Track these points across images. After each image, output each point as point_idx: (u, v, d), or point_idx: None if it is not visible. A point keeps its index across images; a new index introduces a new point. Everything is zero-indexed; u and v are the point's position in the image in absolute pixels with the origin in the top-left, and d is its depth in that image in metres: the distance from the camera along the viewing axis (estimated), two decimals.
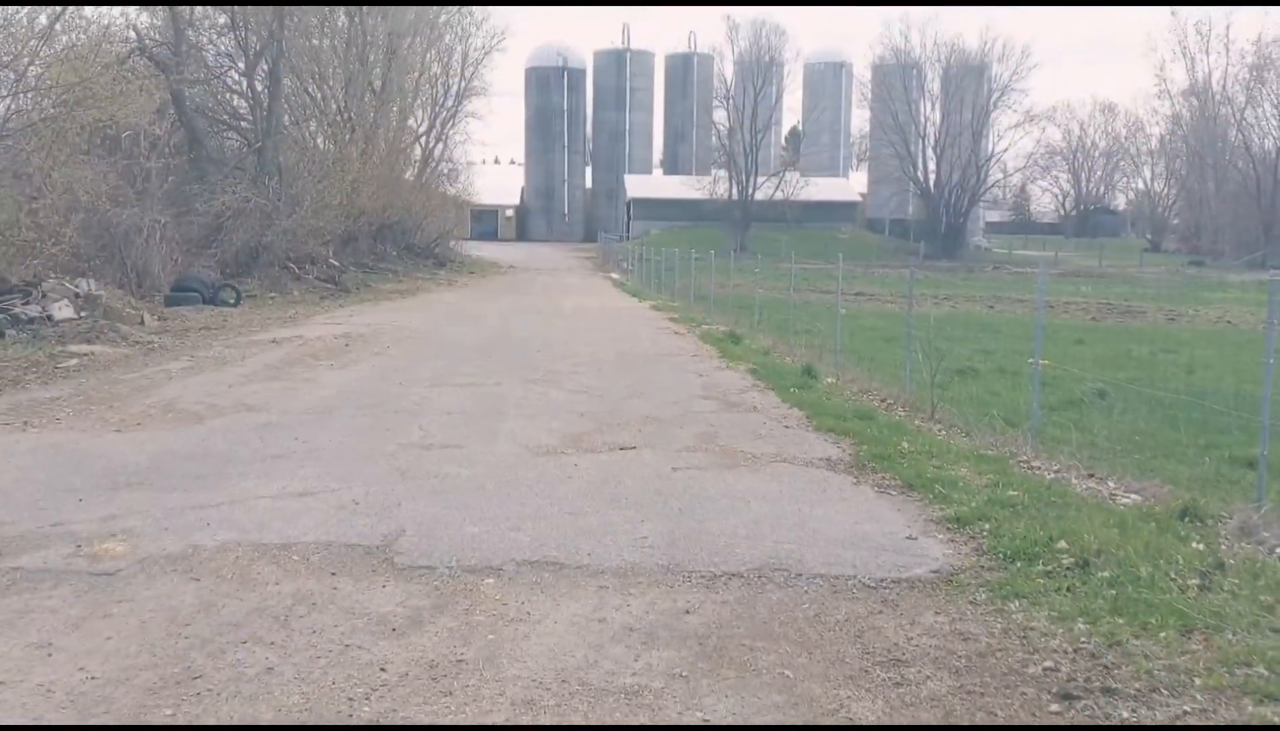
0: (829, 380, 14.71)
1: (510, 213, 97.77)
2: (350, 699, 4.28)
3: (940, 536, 6.91)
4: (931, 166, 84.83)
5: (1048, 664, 4.91)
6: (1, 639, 4.80)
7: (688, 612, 5.46)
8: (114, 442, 9.12)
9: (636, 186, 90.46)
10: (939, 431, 11.04)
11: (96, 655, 4.64)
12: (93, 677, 4.39)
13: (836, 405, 12.12)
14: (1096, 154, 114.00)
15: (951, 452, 9.50)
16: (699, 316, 26.87)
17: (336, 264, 37.50)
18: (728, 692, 4.51)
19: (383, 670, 4.60)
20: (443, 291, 36.98)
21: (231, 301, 26.61)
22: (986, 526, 7.00)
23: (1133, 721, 4.30)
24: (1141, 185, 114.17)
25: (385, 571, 5.95)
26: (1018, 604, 5.66)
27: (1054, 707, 4.47)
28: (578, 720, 4.19)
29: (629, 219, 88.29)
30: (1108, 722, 4.32)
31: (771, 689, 4.56)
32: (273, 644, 4.86)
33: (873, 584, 5.98)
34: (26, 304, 19.55)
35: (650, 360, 16.55)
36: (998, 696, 4.57)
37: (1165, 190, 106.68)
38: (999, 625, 5.39)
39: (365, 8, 42.65)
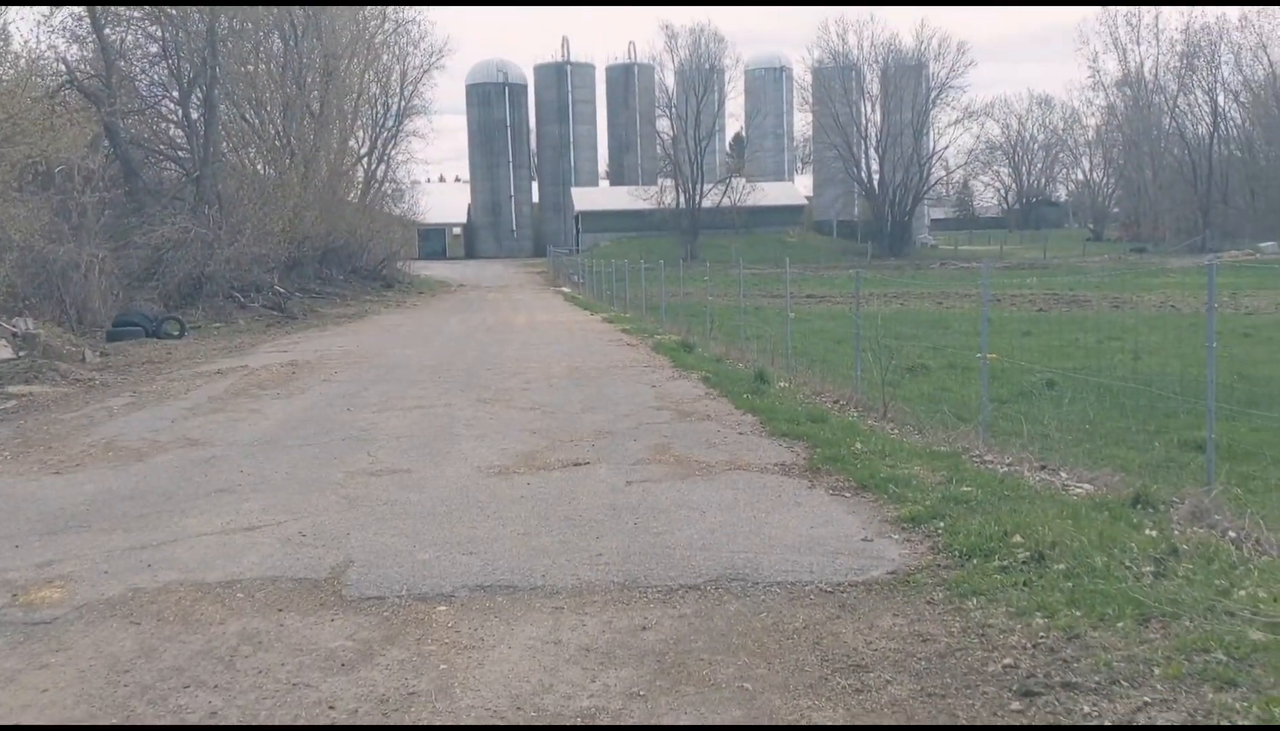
0: (782, 384, 14.70)
1: (458, 230, 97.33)
2: None
3: (895, 536, 6.88)
4: (875, 166, 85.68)
5: (1007, 661, 4.87)
6: None
7: (645, 629, 5.37)
8: (52, 485, 8.87)
9: (584, 199, 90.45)
10: (892, 430, 11.05)
11: (31, 709, 4.46)
12: None
13: (790, 409, 12.10)
14: (1035, 147, 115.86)
15: (904, 451, 9.50)
16: (651, 326, 26.83)
17: (282, 291, 37.04)
18: (687, 709, 4.42)
19: (331, 708, 4.46)
20: (391, 313, 36.66)
21: (175, 334, 26.18)
22: (941, 524, 6.98)
23: (1094, 719, 4.27)
24: (1081, 176, 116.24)
25: (333, 604, 5.80)
26: (975, 601, 5.63)
27: (1015, 705, 4.43)
28: None
29: (578, 232, 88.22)
30: (1071, 722, 4.28)
31: (731, 703, 4.48)
32: (217, 687, 4.70)
33: (830, 588, 5.92)
34: None
35: (603, 373, 16.46)
36: (959, 697, 4.53)
37: (1104, 179, 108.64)
38: (957, 624, 5.36)
39: (299, 30, 42.27)
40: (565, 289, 52.90)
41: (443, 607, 5.72)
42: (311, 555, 6.68)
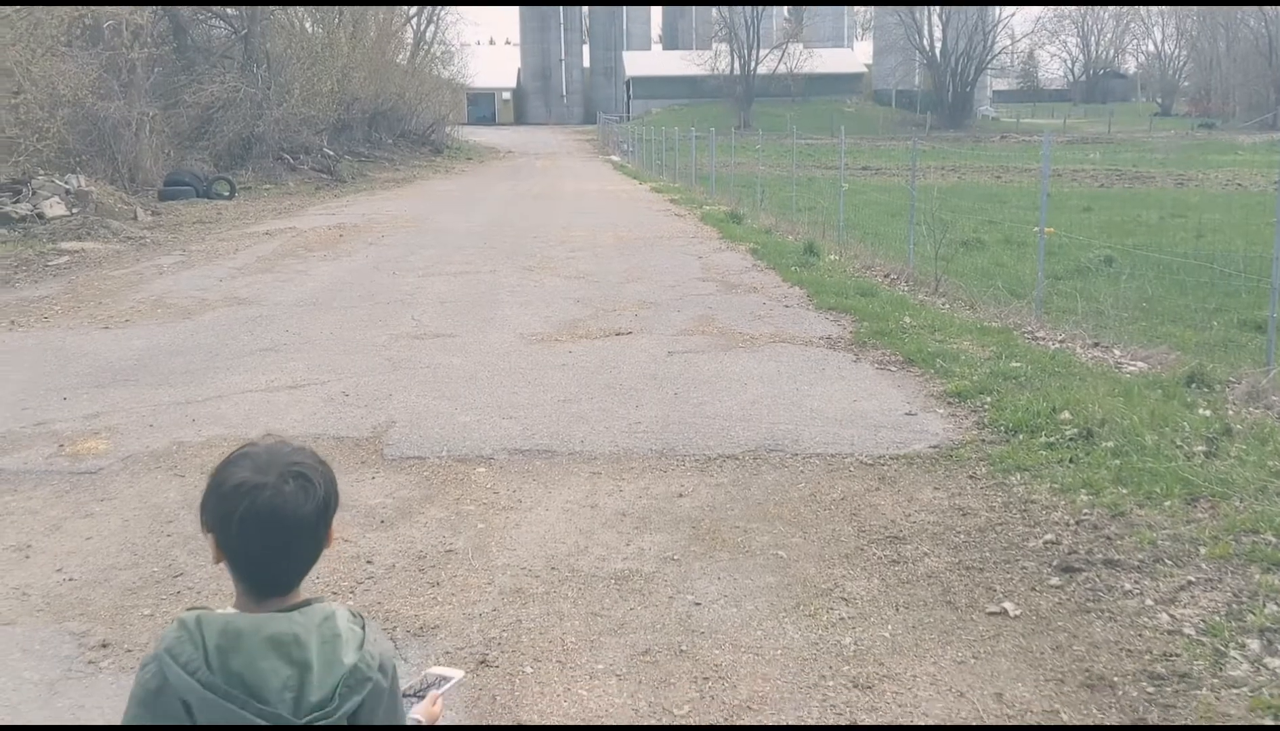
0: (831, 257, 14.47)
1: (507, 96, 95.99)
2: (335, 592, 4.20)
3: (940, 411, 6.78)
4: (938, 34, 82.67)
5: (1048, 537, 4.81)
6: None
7: (681, 496, 5.36)
8: (101, 340, 8.98)
9: (635, 64, 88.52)
10: (943, 305, 10.86)
11: (76, 556, 4.56)
12: (70, 579, 4.31)
13: (838, 282, 11.91)
14: (1106, 16, 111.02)
15: (954, 326, 9.34)
16: (700, 197, 26.46)
17: (331, 153, 36.90)
18: (720, 574, 4.42)
19: (369, 563, 4.52)
20: (439, 179, 36.45)
21: (226, 194, 26.22)
22: (988, 399, 6.86)
23: (1135, 596, 4.21)
24: (1152, 47, 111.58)
25: (374, 463, 5.85)
26: (1019, 477, 5.55)
27: (1054, 581, 4.38)
28: (566, 607, 4.10)
29: (629, 99, 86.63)
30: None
31: (765, 570, 4.47)
32: None
33: (870, 461, 5.86)
34: (17, 202, 19.24)
35: (649, 243, 16.28)
36: (997, 571, 4.48)
37: (1176, 52, 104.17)
38: (999, 499, 5.29)
39: None
40: (614, 157, 52.21)
41: (481, 469, 5.75)
42: (354, 414, 6.72)
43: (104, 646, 3.71)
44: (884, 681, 3.61)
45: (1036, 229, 10.57)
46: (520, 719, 3.33)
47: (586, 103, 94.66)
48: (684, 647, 3.79)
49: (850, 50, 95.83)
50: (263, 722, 1.55)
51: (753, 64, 79.21)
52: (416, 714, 1.94)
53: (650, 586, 4.30)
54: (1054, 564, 4.53)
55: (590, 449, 6.06)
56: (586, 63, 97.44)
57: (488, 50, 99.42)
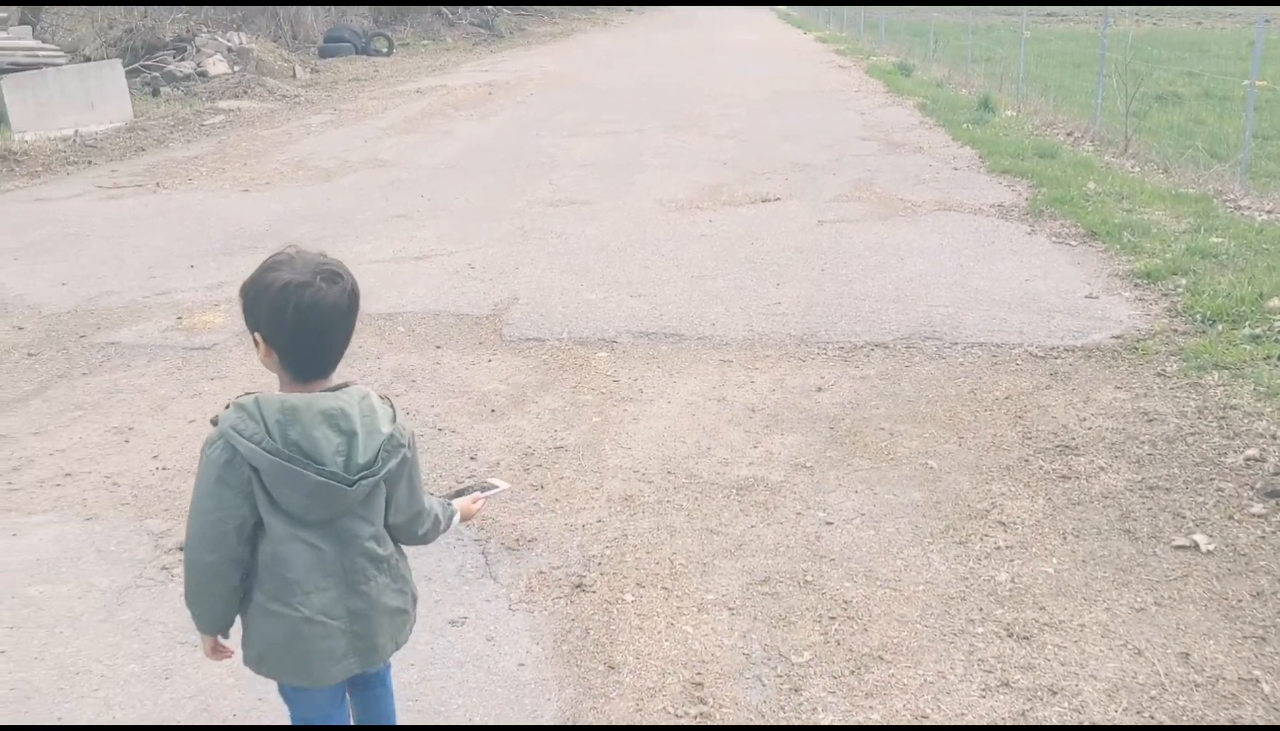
0: (1009, 113, 13.28)
1: None
2: (431, 492, 3.84)
3: (1126, 294, 5.97)
4: None
5: (1251, 452, 4.09)
6: (82, 423, 4.58)
7: (820, 390, 4.82)
8: (239, 204, 8.87)
9: None
10: (1132, 168, 9.76)
11: (174, 441, 4.36)
12: (164, 467, 4.11)
13: (1015, 141, 10.84)
14: None
15: (1145, 193, 8.32)
16: (867, 47, 24.91)
17: (490, 8, 36.35)
18: (857, 487, 3.90)
19: (472, 459, 4.17)
20: (597, 32, 35.51)
21: (384, 51, 26.09)
22: (1183, 281, 6.01)
23: None
24: None
25: (492, 344, 5.49)
26: (1216, 376, 4.78)
27: (1257, 508, 3.70)
28: (679, 520, 3.67)
29: None
30: None
31: (910, 483, 3.93)
32: None
33: (1041, 353, 5.16)
34: (181, 60, 19.51)
35: (807, 98, 15.29)
36: (1187, 493, 3.82)
37: None
38: (1193, 403, 4.56)
39: None
40: (779, 5, 49.89)
41: (603, 354, 5.32)
42: (477, 289, 6.36)
43: (180, 550, 3.48)
44: (1044, 630, 3.06)
45: (1246, 82, 9.26)
46: (614, 659, 2.93)
47: None
48: (809, 577, 3.32)
49: None
50: (322, 479, 1.90)
51: None
52: (455, 505, 2.32)
53: (776, 498, 3.82)
54: (1257, 487, 3.84)
55: (722, 333, 5.54)
56: None
57: None
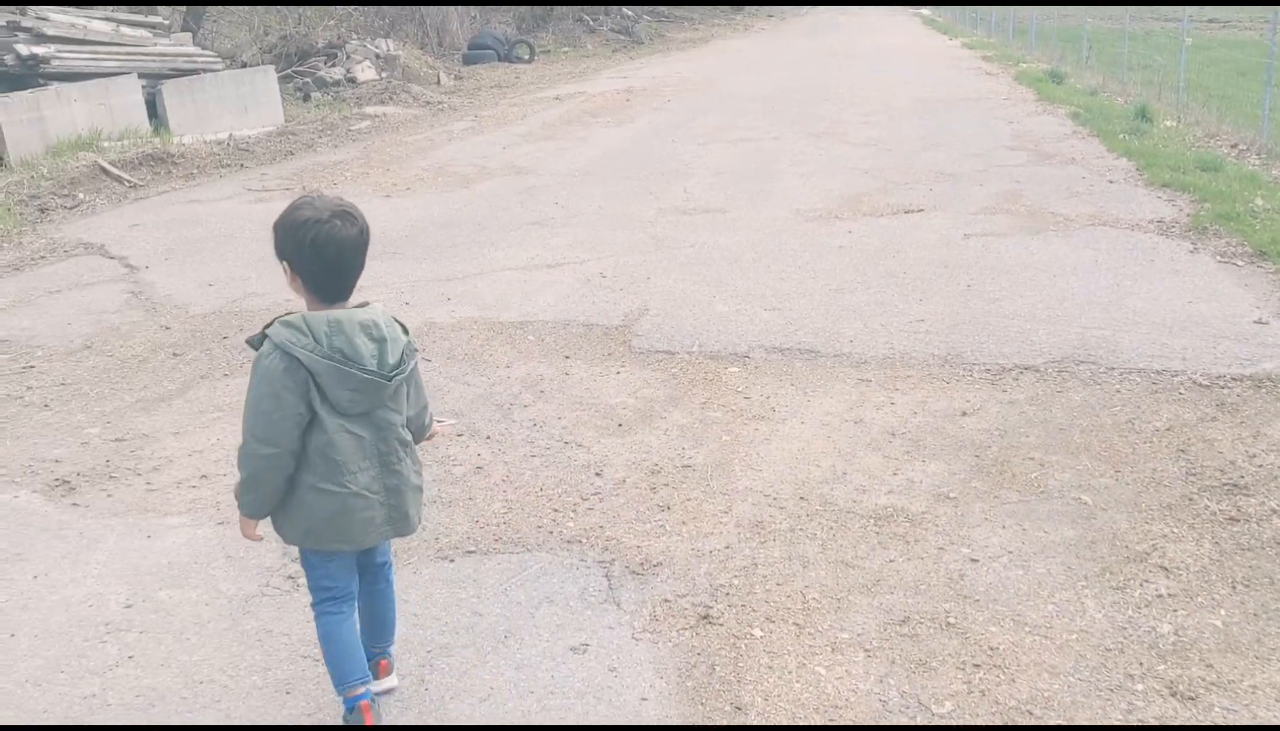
0: (1168, 123, 12.58)
1: None
2: (555, 509, 3.78)
3: None
4: None
5: None
6: (221, 425, 4.65)
7: (965, 415, 4.56)
8: (380, 209, 9.01)
9: None
10: None
11: None
12: None
13: (1175, 153, 10.25)
14: None
15: None
16: (1017, 53, 24.10)
17: (630, 14, 36.56)
18: (1005, 522, 3.65)
19: (598, 475, 4.07)
20: (736, 37, 35.31)
21: (526, 57, 26.44)
22: None
23: None
24: None
25: (621, 355, 5.39)
26: None
27: None
28: (813, 551, 3.49)
29: None
30: None
31: (1063, 519, 3.66)
32: (489, 438, 4.44)
33: (1206, 382, 4.80)
34: (332, 65, 20.12)
35: (952, 105, 14.82)
36: None
37: None
38: None
39: None
40: (924, 10, 48.84)
41: (734, 369, 5.16)
42: (607, 299, 6.28)
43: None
44: (1211, 691, 2.79)
45: None
46: (741, 699, 2.78)
47: None
48: (952, 618, 3.10)
49: None
50: (366, 376, 2.35)
51: None
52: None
53: (917, 531, 3.61)
54: None
55: (860, 350, 5.32)
56: None
57: None
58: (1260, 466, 4.01)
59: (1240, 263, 6.55)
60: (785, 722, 2.69)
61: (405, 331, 2.49)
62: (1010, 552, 3.47)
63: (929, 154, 10.82)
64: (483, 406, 4.79)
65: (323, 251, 2.31)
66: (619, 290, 6.43)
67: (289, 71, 18.37)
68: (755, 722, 2.70)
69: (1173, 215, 7.83)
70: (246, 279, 6.95)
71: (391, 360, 2.38)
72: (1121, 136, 11.47)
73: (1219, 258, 6.68)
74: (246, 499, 2.42)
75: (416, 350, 2.51)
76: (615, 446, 4.33)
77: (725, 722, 2.70)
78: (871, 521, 3.68)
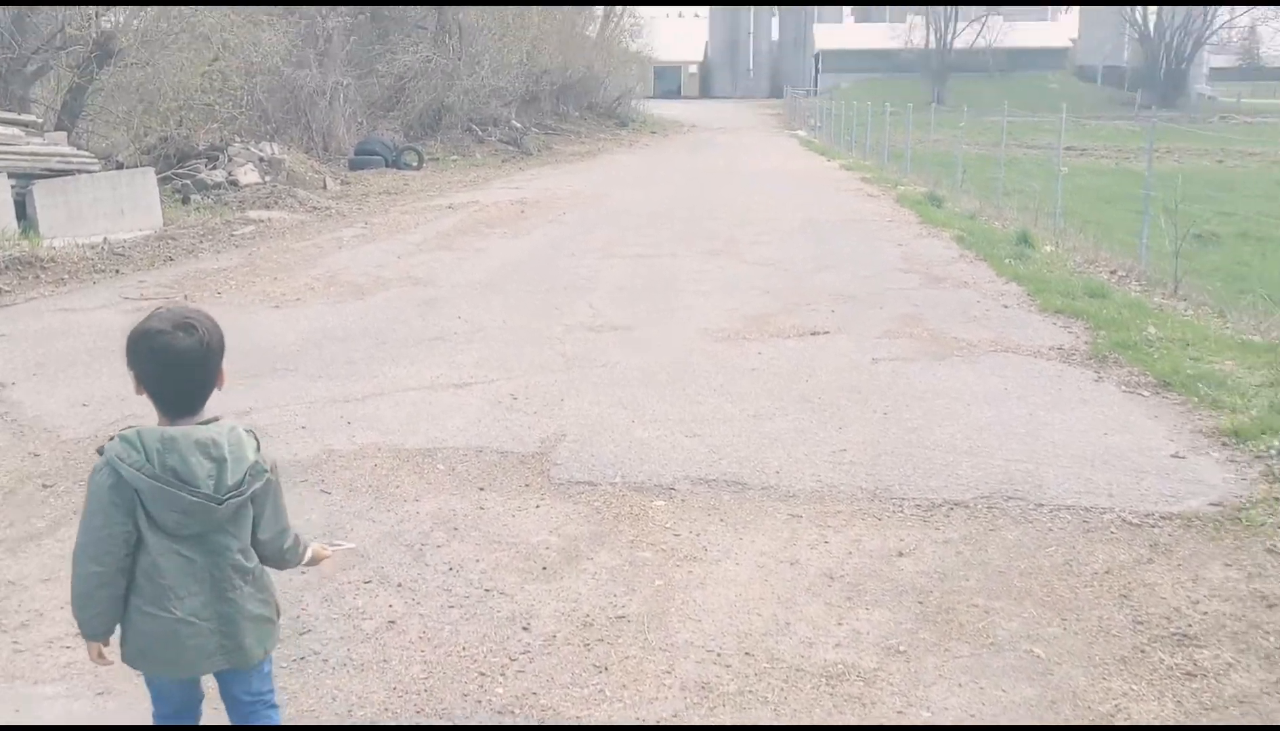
0: (1047, 248, 13.06)
1: (693, 69, 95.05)
2: (482, 673, 3.45)
3: (1215, 454, 5.57)
4: (1151, 7, 77.11)
5: None
6: None
7: (901, 554, 4.40)
8: (269, 321, 8.60)
9: (825, 37, 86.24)
10: (1186, 311, 9.44)
11: None
12: None
13: (1061, 279, 10.58)
14: None
15: (1209, 340, 7.99)
16: (894, 176, 24.99)
17: (518, 126, 36.88)
18: (960, 679, 3.47)
19: (525, 629, 3.75)
20: (622, 152, 35.92)
21: (414, 164, 26.28)
22: (1276, 442, 5.61)
23: None
24: None
25: (540, 487, 5.11)
26: None
27: None
28: (765, 715, 3.24)
29: (817, 72, 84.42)
30: None
31: (1018, 675, 3.49)
32: (400, 585, 4.08)
33: (1136, 520, 4.75)
34: (212, 168, 19.60)
35: (840, 227, 15.15)
36: None
37: None
38: None
39: None
40: (801, 132, 50.65)
41: (660, 502, 4.93)
42: (521, 422, 6.01)
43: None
44: None
45: None
46: None
47: (773, 76, 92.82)
48: None
49: (1053, 23, 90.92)
50: (195, 499, 2.26)
51: (950, 37, 75.84)
52: (312, 545, 2.67)
53: (872, 691, 3.39)
54: None
55: (787, 482, 5.15)
56: (775, 35, 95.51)
57: (675, 23, 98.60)
58: (1205, 614, 3.94)
59: (1145, 392, 6.66)
60: None
61: (258, 449, 2.38)
62: (972, 715, 3.28)
63: (825, 275, 10.94)
64: (391, 547, 4.43)
65: (160, 362, 2.28)
66: (532, 413, 6.17)
67: (169, 173, 17.79)
68: None
69: (1071, 343, 7.98)
70: (124, 398, 6.43)
71: (230, 481, 2.30)
72: (1008, 261, 11.81)
73: (1124, 387, 6.78)
74: (79, 618, 2.37)
75: (266, 472, 2.39)
76: (541, 594, 4.03)
77: None
78: (824, 680, 3.45)
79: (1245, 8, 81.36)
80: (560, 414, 6.17)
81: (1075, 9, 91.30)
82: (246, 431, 2.39)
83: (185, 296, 9.59)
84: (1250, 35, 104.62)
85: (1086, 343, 7.95)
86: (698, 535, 4.58)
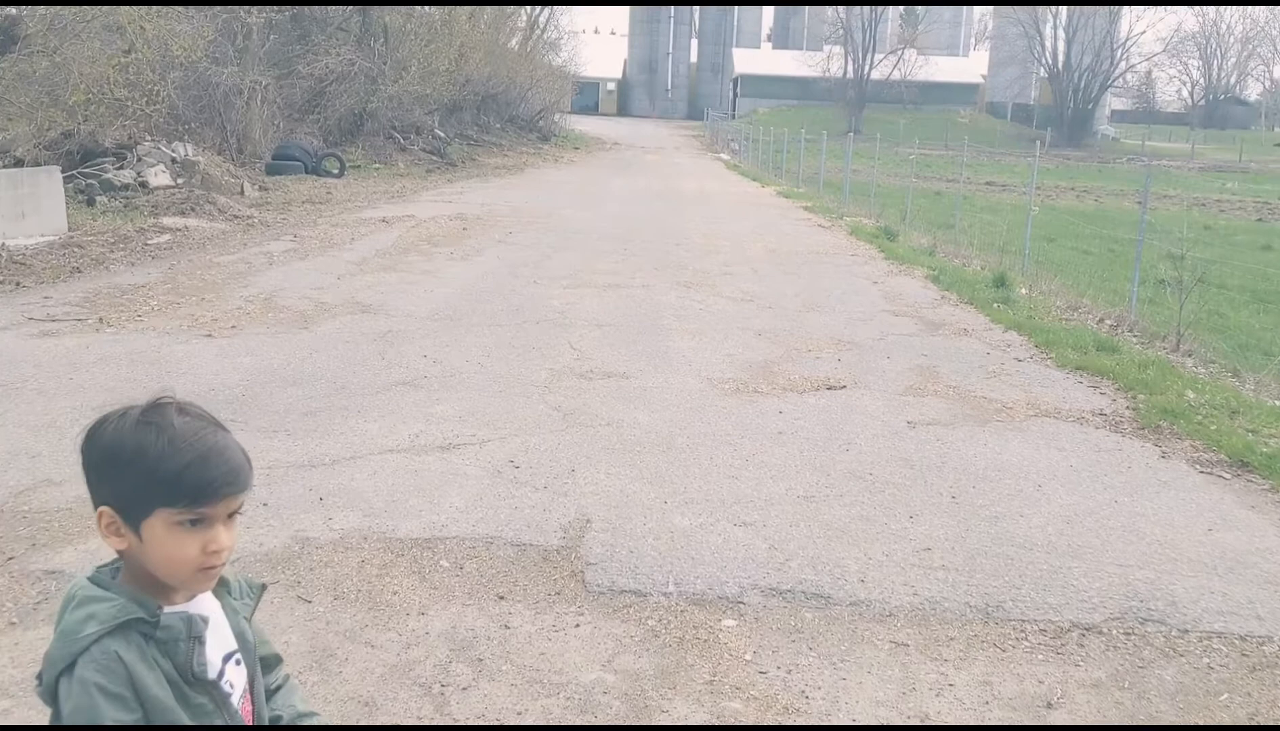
0: (1022, 291, 12.47)
1: (611, 86, 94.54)
2: None
3: None
4: (1061, 47, 79.10)
5: None
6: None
7: (1050, 706, 3.51)
8: (204, 353, 7.40)
9: (744, 62, 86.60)
10: (1195, 368, 8.85)
11: None
12: None
13: (1058, 328, 9.95)
14: (1231, 39, 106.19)
15: (1253, 408, 7.34)
16: (834, 206, 24.47)
17: (442, 135, 35.61)
18: None
19: None
20: (550, 168, 34.89)
21: (335, 172, 24.93)
22: None
23: None
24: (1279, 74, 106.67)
25: (575, 595, 4.09)
26: None
27: None
28: None
29: (735, 96, 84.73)
30: None
31: None
32: None
33: None
34: (120, 168, 18.05)
35: (807, 260, 14.39)
36: None
37: None
38: None
39: None
40: (724, 156, 50.25)
41: (730, 621, 3.96)
42: (531, 502, 4.97)
43: None
44: None
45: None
46: None
47: (691, 98, 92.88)
48: None
49: (966, 59, 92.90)
50: None
51: (866, 68, 76.67)
52: None
53: None
54: None
55: (878, 596, 4.22)
56: (694, 57, 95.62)
57: (594, 39, 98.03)
58: None
59: (1225, 474, 5.92)
60: None
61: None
62: None
63: (814, 315, 10.11)
64: (402, 690, 3.38)
65: None
66: (542, 488, 5.14)
67: (73, 172, 16.24)
68: None
69: (1110, 407, 7.25)
70: (36, 455, 5.22)
71: None
72: (996, 305, 11.18)
73: (1198, 467, 6.03)
74: None
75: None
76: None
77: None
78: None
79: (1147, 58, 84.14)
80: (576, 490, 5.15)
81: (985, 48, 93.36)
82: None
83: (100, 319, 8.29)
84: (1146, 80, 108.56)
85: (1128, 407, 7.23)
86: (789, 673, 3.63)
